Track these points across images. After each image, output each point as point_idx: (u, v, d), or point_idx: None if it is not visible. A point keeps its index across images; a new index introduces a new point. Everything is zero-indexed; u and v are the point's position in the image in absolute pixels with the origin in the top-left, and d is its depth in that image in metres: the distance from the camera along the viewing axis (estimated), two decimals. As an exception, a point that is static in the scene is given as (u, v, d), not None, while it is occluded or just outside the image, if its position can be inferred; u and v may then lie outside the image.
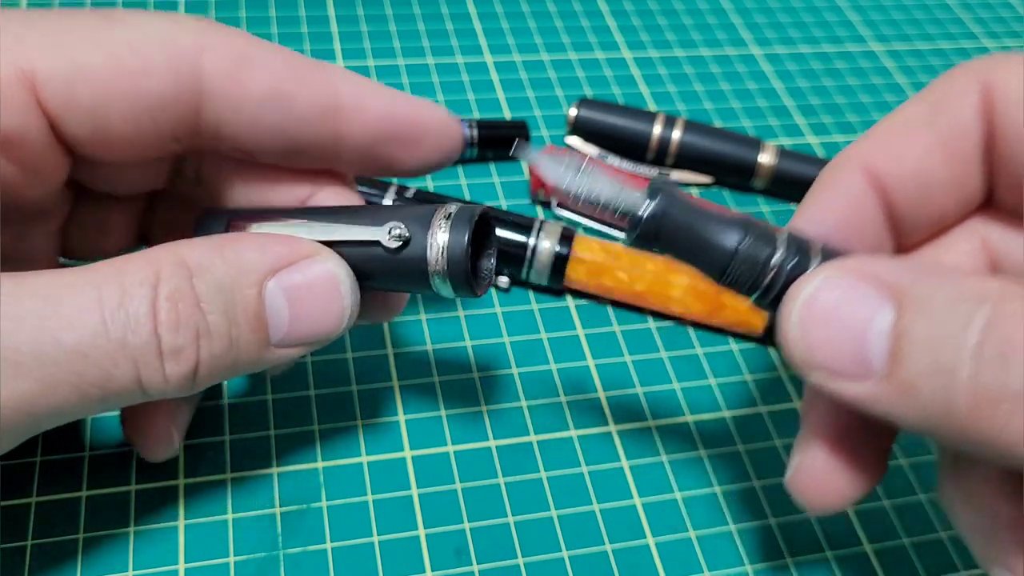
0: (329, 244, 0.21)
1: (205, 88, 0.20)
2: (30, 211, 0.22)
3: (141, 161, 0.22)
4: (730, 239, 0.19)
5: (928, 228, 0.23)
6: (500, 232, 0.31)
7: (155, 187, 0.24)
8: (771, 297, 0.19)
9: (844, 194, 0.22)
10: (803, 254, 0.19)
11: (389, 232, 0.20)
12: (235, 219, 0.22)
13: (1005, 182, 0.21)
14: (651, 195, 0.19)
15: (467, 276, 0.21)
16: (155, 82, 0.20)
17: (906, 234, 0.23)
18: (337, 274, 0.21)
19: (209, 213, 0.23)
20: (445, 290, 0.21)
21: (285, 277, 0.20)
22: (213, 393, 0.27)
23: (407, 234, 0.20)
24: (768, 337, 0.31)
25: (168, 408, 0.24)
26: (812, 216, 0.22)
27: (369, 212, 0.22)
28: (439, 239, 0.20)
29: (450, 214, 0.21)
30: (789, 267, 0.19)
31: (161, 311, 0.19)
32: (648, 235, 0.19)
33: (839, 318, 0.18)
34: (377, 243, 0.21)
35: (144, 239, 0.26)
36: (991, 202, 0.22)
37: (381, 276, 0.22)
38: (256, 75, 0.21)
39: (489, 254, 0.23)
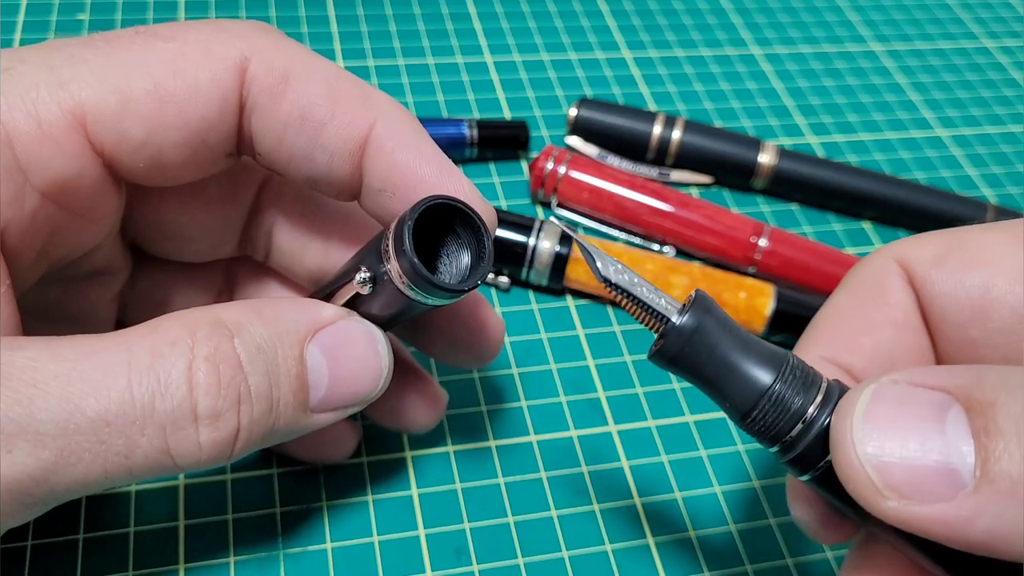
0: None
1: (245, 99, 0.20)
2: (86, 266, 0.22)
3: (204, 176, 0.21)
4: (763, 377, 0.17)
5: None
6: (500, 232, 0.31)
7: (218, 255, 0.24)
8: (795, 453, 0.17)
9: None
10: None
11: (358, 280, 0.20)
12: None
13: (943, 343, 0.20)
14: (687, 307, 0.17)
15: (430, 279, 0.19)
16: (201, 104, 0.19)
17: None
18: (374, 333, 0.20)
19: None
20: (437, 298, 0.20)
21: (325, 337, 0.20)
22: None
23: (370, 275, 0.20)
24: (769, 336, 0.31)
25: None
26: None
27: (348, 265, 0.21)
28: (392, 264, 0.19)
29: (387, 234, 0.19)
30: (824, 421, 0.16)
31: (199, 373, 0.17)
32: (672, 350, 0.17)
33: (903, 429, 0.15)
34: (357, 295, 0.20)
35: None
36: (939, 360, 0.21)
37: (387, 320, 0.21)
38: (293, 95, 0.20)
39: (458, 240, 0.21)
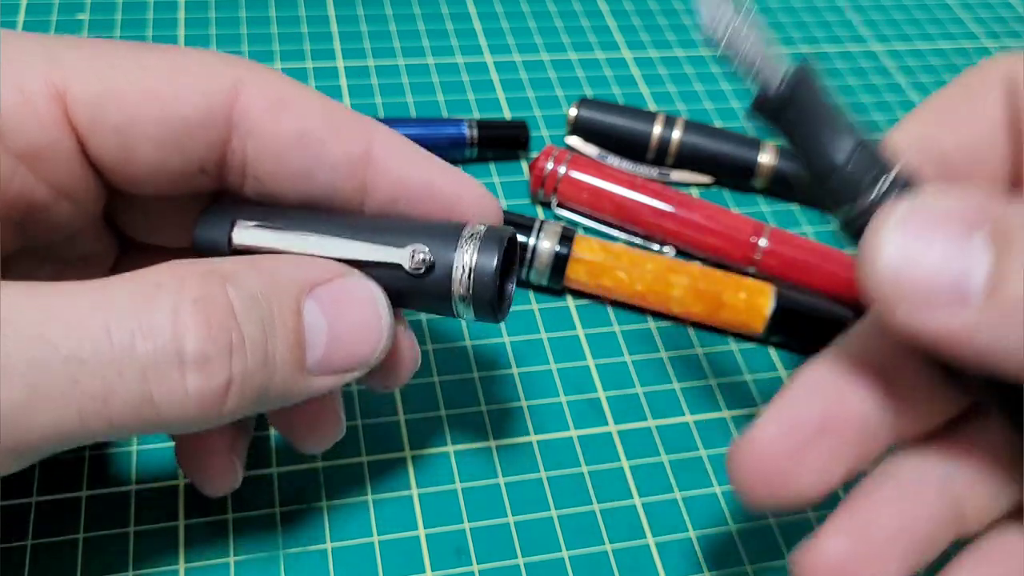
0: (346, 263, 0.20)
1: (238, 122, 0.20)
2: (71, 250, 0.22)
3: (171, 193, 0.21)
4: (841, 151, 0.18)
5: None
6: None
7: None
8: (858, 223, 0.18)
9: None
10: (908, 188, 0.18)
11: (412, 256, 0.19)
12: (240, 220, 0.21)
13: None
14: (790, 73, 0.18)
15: (493, 302, 0.20)
16: (186, 108, 0.19)
17: None
18: (376, 293, 0.20)
19: (211, 211, 0.22)
20: (467, 314, 0.20)
21: (324, 293, 0.19)
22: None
23: (431, 258, 0.19)
24: (769, 336, 0.31)
25: (228, 434, 0.22)
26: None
27: (388, 226, 0.21)
28: (466, 261, 0.19)
29: (475, 234, 0.20)
30: (890, 196, 0.18)
31: (186, 315, 0.17)
32: (767, 110, 0.19)
33: (929, 245, 0.16)
34: (398, 266, 0.20)
35: None
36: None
37: (398, 298, 0.21)
38: (291, 116, 0.20)
39: (511, 277, 0.21)
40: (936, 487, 0.20)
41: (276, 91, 0.20)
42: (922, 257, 0.16)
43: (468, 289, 0.19)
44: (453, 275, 0.19)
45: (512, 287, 0.22)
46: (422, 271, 0.20)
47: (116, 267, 0.24)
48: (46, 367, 0.16)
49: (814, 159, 0.18)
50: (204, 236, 0.21)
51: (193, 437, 0.22)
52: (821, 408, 0.20)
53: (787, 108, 0.18)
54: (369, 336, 0.20)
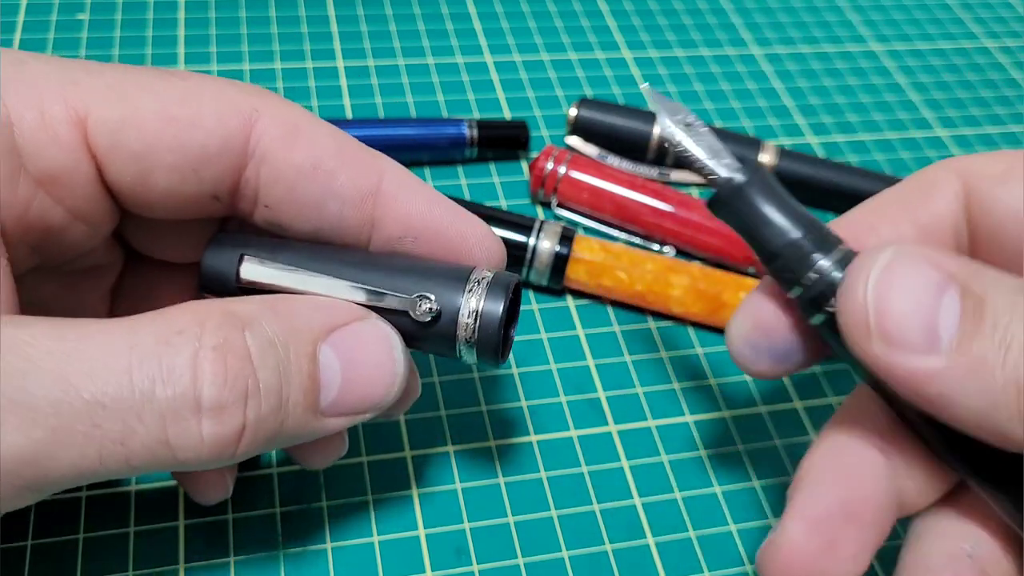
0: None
1: (252, 151, 0.20)
2: (80, 263, 0.22)
3: (182, 217, 0.21)
4: (791, 231, 0.19)
5: None
6: (501, 232, 0.31)
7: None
8: (810, 296, 0.19)
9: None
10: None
11: (418, 305, 0.20)
12: (248, 256, 0.21)
13: (985, 257, 0.21)
14: (740, 171, 0.20)
15: (497, 349, 0.20)
16: (203, 135, 0.19)
17: None
18: (391, 337, 0.20)
19: (217, 242, 0.22)
20: (469, 357, 0.21)
21: (339, 338, 0.19)
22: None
23: (437, 308, 0.20)
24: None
25: None
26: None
27: (395, 266, 0.21)
28: (472, 308, 0.20)
29: (482, 280, 0.20)
30: (833, 274, 0.19)
31: (205, 362, 0.17)
32: (721, 205, 0.20)
33: (910, 289, 0.17)
34: (405, 314, 0.20)
35: None
36: None
37: (403, 340, 0.21)
38: (305, 146, 0.20)
39: (514, 323, 0.22)
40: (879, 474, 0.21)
41: (291, 121, 0.20)
42: (900, 301, 0.17)
43: (473, 335, 0.20)
44: (459, 321, 0.20)
45: (514, 331, 0.22)
46: (428, 320, 0.20)
47: (122, 278, 0.24)
48: (69, 409, 0.16)
49: (766, 241, 0.20)
50: (211, 269, 0.21)
51: None
52: (841, 496, 0.20)
53: (739, 201, 0.20)
54: (383, 380, 0.20)
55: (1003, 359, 0.16)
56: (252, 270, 0.21)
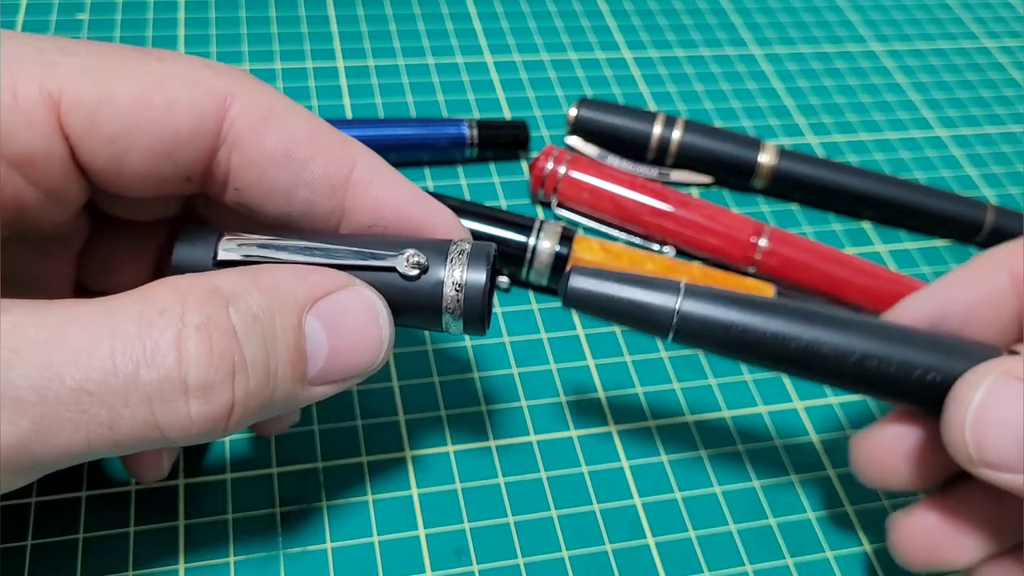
0: (342, 270, 0.20)
1: (225, 135, 0.20)
2: (48, 235, 0.22)
3: (154, 196, 0.21)
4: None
5: None
6: (500, 232, 0.31)
7: (169, 213, 0.24)
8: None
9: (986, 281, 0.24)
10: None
11: (407, 259, 0.20)
12: (229, 233, 0.21)
13: None
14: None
15: (483, 316, 0.20)
16: (178, 119, 0.19)
17: None
18: (376, 304, 0.20)
19: (196, 229, 0.22)
20: (454, 327, 0.21)
21: (324, 307, 0.19)
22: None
23: (424, 262, 0.20)
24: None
25: None
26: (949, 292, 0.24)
27: (372, 241, 0.21)
28: (455, 275, 0.20)
29: (464, 251, 0.20)
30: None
31: (189, 342, 0.17)
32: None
33: (1006, 419, 0.19)
34: (393, 269, 0.20)
35: (160, 273, 0.25)
36: None
37: (391, 308, 0.21)
38: (277, 132, 0.20)
39: (493, 292, 0.22)
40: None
41: (265, 105, 0.20)
42: (998, 436, 0.19)
43: (459, 305, 0.20)
44: (444, 292, 0.20)
45: (494, 301, 0.22)
46: (416, 274, 0.20)
47: (90, 240, 0.24)
48: (55, 397, 0.16)
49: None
50: (185, 252, 0.21)
51: None
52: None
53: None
54: (369, 347, 0.20)
55: None
56: (231, 244, 0.21)
